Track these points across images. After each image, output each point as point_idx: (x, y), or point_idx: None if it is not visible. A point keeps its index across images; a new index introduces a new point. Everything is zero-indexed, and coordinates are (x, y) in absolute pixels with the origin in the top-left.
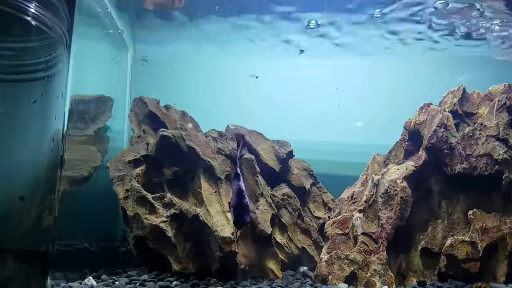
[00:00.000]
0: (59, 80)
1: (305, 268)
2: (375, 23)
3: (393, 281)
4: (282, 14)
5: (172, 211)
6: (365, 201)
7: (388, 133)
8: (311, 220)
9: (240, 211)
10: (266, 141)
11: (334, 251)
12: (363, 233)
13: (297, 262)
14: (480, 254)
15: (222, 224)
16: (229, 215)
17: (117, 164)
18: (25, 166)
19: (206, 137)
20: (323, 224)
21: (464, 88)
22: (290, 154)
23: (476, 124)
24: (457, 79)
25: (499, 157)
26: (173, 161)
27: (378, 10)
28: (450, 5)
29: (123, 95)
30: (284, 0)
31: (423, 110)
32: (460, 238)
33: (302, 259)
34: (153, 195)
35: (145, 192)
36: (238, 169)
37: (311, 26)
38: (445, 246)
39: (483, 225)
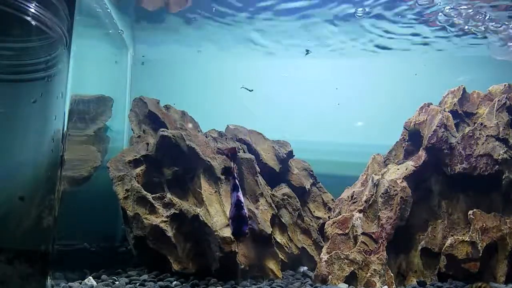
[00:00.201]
0: (59, 80)
1: (305, 268)
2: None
3: (393, 281)
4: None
5: (172, 211)
6: (365, 201)
7: (388, 133)
8: (311, 220)
9: (238, 222)
10: (266, 141)
11: (334, 251)
12: (363, 233)
13: (297, 262)
14: (480, 254)
15: (222, 224)
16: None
17: (117, 164)
18: (25, 166)
19: (206, 137)
20: (323, 224)
21: (464, 88)
22: (290, 154)
23: (476, 124)
24: (457, 79)
25: (499, 157)
26: (173, 161)
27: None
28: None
29: (123, 95)
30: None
31: (423, 110)
32: (460, 238)
33: (302, 259)
34: (153, 195)
35: (145, 192)
36: (236, 181)
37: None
38: (445, 246)
39: (483, 225)
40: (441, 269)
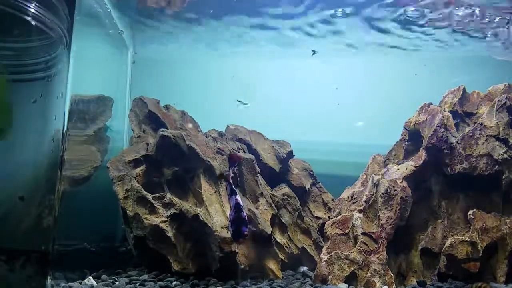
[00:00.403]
0: (59, 80)
1: (305, 268)
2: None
3: (393, 281)
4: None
5: (172, 211)
6: (365, 201)
7: (388, 133)
8: (311, 220)
9: (238, 224)
10: (266, 141)
11: (334, 251)
12: (363, 233)
13: (297, 262)
14: (480, 254)
15: (222, 224)
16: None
17: (117, 164)
18: (25, 166)
19: (206, 137)
20: (323, 224)
21: (464, 88)
22: (290, 154)
23: (476, 124)
24: (456, 79)
25: (499, 157)
26: (173, 161)
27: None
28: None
29: (123, 95)
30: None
31: (423, 110)
32: (460, 238)
33: (302, 259)
34: (153, 195)
35: (145, 192)
36: (232, 186)
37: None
38: (445, 246)
39: (483, 225)
40: (441, 269)
